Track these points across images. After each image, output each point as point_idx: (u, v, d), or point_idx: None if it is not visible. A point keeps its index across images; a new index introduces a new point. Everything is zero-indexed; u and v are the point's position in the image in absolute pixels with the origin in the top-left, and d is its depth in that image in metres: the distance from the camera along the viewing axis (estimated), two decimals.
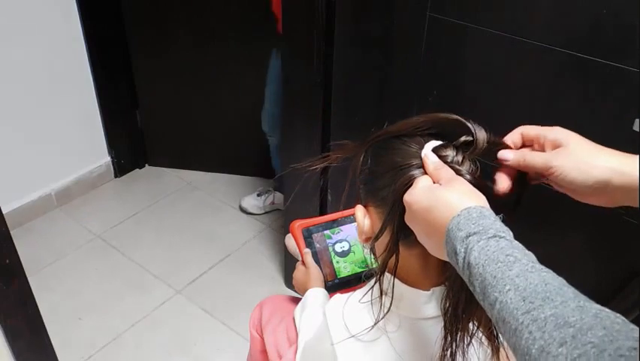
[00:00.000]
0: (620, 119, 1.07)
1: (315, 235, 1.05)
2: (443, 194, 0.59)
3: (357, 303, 0.77)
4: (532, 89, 1.19)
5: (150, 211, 2.45)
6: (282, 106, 1.76)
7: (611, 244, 1.20)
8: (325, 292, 0.98)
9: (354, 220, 0.76)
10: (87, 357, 1.81)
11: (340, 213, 1.06)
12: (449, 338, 0.67)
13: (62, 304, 1.98)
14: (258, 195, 2.44)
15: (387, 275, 0.73)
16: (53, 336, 1.40)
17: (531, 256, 0.52)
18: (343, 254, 1.06)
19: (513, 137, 0.68)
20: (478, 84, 1.27)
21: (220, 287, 2.09)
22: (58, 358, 1.44)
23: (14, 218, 2.19)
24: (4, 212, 1.12)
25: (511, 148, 0.67)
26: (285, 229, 1.84)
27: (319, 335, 0.84)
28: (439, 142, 0.67)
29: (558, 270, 0.51)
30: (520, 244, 0.53)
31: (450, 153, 0.65)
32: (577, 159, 0.60)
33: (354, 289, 0.82)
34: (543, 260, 0.52)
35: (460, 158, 0.65)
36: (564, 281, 0.49)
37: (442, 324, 0.68)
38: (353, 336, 0.74)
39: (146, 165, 2.73)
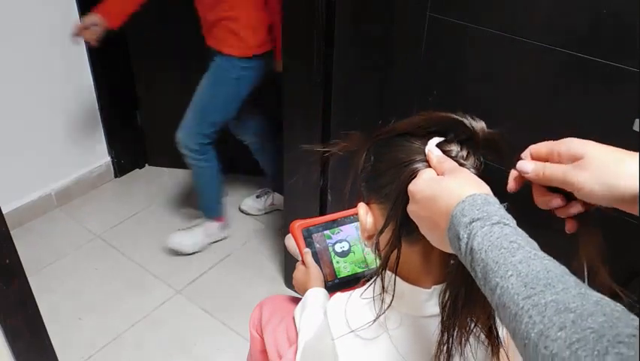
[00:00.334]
0: (620, 119, 1.07)
1: (315, 235, 1.05)
2: (447, 183, 0.59)
3: (359, 300, 0.77)
4: (532, 89, 1.19)
5: (150, 211, 2.45)
6: (282, 106, 1.75)
7: (611, 244, 1.20)
8: (325, 292, 0.98)
9: (355, 220, 0.76)
10: (87, 357, 1.81)
11: (340, 213, 1.06)
12: (446, 334, 0.67)
13: (62, 304, 1.98)
14: (257, 197, 2.43)
15: (389, 273, 0.73)
16: (53, 336, 1.40)
17: (534, 244, 0.52)
18: (343, 254, 1.06)
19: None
20: (478, 84, 1.27)
21: (220, 287, 2.09)
22: (58, 358, 1.44)
23: (14, 218, 2.18)
24: (4, 212, 1.12)
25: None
26: (285, 229, 1.84)
27: (319, 334, 0.84)
28: (442, 138, 0.67)
29: None
30: (523, 232, 0.53)
31: (454, 148, 0.66)
32: (599, 171, 0.56)
33: (354, 289, 0.82)
34: None
35: (464, 153, 0.65)
36: (566, 270, 0.49)
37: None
38: (353, 331, 0.75)
39: (146, 165, 2.73)
